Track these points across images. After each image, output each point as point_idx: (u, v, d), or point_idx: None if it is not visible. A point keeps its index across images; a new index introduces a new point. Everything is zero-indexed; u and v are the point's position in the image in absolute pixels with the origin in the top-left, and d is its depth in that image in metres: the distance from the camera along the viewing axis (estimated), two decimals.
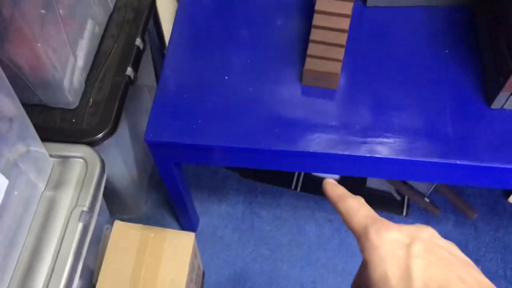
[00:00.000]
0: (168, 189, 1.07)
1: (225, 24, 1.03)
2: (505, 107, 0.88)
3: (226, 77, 0.95)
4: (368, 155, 0.85)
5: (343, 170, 0.94)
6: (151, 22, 1.14)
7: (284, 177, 1.37)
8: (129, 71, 0.96)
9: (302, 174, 1.37)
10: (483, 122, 0.89)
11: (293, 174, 1.37)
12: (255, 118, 0.90)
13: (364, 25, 1.02)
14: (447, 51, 0.97)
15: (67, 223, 0.77)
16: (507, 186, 0.90)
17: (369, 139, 0.87)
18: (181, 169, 1.02)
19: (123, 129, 1.06)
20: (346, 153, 0.86)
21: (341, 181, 1.33)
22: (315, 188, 1.35)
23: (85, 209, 0.78)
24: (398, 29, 1.01)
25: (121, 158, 1.07)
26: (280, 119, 0.90)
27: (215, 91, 0.93)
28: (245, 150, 0.88)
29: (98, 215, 0.95)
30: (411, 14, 1.02)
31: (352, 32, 0.99)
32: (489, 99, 0.89)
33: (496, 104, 0.88)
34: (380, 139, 0.87)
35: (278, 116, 0.90)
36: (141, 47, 0.99)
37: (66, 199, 0.80)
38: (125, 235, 0.97)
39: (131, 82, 0.96)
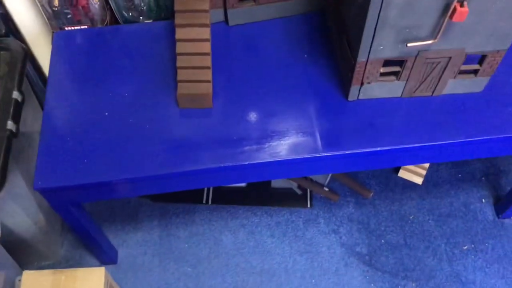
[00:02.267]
0: (73, 230, 1.09)
1: (100, 62, 1.07)
2: (360, 97, 0.99)
3: (106, 113, 0.99)
4: (246, 162, 0.93)
5: (232, 179, 1.01)
6: (29, 71, 1.16)
7: (195, 193, 1.42)
8: (10, 124, 0.98)
9: (211, 187, 1.44)
10: (344, 114, 0.99)
11: (203, 188, 1.43)
12: (139, 147, 0.95)
13: (231, 42, 1.10)
14: (306, 56, 1.07)
15: None
16: (374, 167, 1.01)
17: (246, 148, 0.95)
18: (81, 208, 1.05)
19: (18, 180, 1.07)
20: (227, 164, 0.93)
21: (248, 184, 1.41)
22: (225, 198, 1.42)
23: None
24: (261, 42, 1.10)
25: (21, 209, 1.08)
26: (164, 144, 0.96)
27: (97, 129, 0.97)
28: (133, 180, 0.93)
29: (5, 269, 0.96)
30: (271, 26, 1.11)
31: (220, 51, 1.07)
32: (346, 93, 0.99)
33: (352, 96, 0.99)
34: (256, 146, 0.95)
35: (162, 141, 0.96)
36: (19, 99, 1.02)
37: None
38: (36, 284, 0.99)
39: (13, 135, 0.98)
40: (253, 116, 0.99)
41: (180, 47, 0.96)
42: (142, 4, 1.10)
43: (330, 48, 1.07)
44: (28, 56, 1.11)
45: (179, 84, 0.97)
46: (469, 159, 1.08)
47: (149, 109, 1.00)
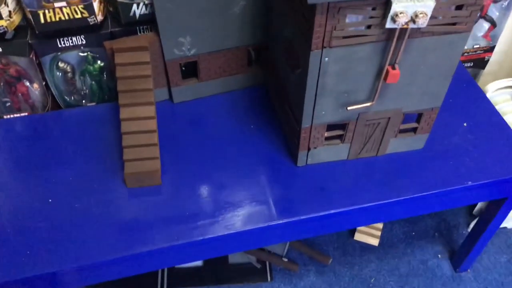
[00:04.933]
0: None
1: (42, 148, 1.04)
2: (308, 162, 1.01)
3: (50, 200, 0.95)
4: (200, 238, 0.90)
5: (187, 257, 0.97)
6: None
7: (147, 280, 1.35)
8: None
9: (165, 270, 1.37)
10: (295, 180, 1.00)
11: (156, 273, 1.37)
12: (86, 232, 0.90)
13: (177, 119, 1.11)
14: (252, 126, 1.09)
15: None
16: (330, 230, 1.01)
17: (199, 223, 0.92)
18: None
19: None
20: (180, 242, 0.90)
21: (205, 262, 1.36)
22: (181, 281, 1.36)
23: None
24: (207, 117, 1.11)
25: None
26: (113, 227, 0.92)
27: (40, 217, 0.92)
28: (81, 268, 0.87)
29: None
30: (215, 101, 1.14)
31: (168, 128, 1.07)
32: (295, 159, 1.01)
33: (300, 162, 1.00)
34: (209, 220, 0.92)
35: (110, 224, 0.92)
36: None
37: None
38: None
39: None
40: (204, 190, 0.98)
41: (125, 126, 0.95)
42: (85, 88, 1.10)
43: (273, 117, 1.10)
44: None
45: (126, 163, 0.95)
46: (420, 214, 1.10)
47: (96, 192, 0.96)
